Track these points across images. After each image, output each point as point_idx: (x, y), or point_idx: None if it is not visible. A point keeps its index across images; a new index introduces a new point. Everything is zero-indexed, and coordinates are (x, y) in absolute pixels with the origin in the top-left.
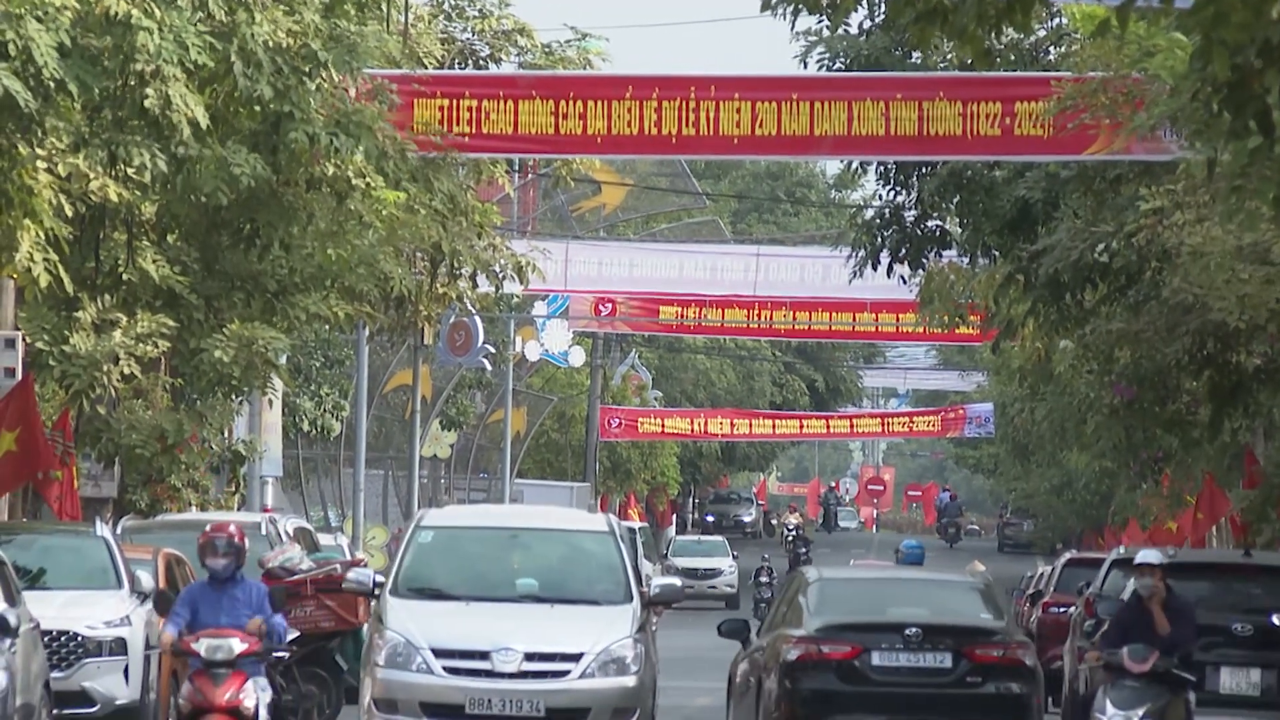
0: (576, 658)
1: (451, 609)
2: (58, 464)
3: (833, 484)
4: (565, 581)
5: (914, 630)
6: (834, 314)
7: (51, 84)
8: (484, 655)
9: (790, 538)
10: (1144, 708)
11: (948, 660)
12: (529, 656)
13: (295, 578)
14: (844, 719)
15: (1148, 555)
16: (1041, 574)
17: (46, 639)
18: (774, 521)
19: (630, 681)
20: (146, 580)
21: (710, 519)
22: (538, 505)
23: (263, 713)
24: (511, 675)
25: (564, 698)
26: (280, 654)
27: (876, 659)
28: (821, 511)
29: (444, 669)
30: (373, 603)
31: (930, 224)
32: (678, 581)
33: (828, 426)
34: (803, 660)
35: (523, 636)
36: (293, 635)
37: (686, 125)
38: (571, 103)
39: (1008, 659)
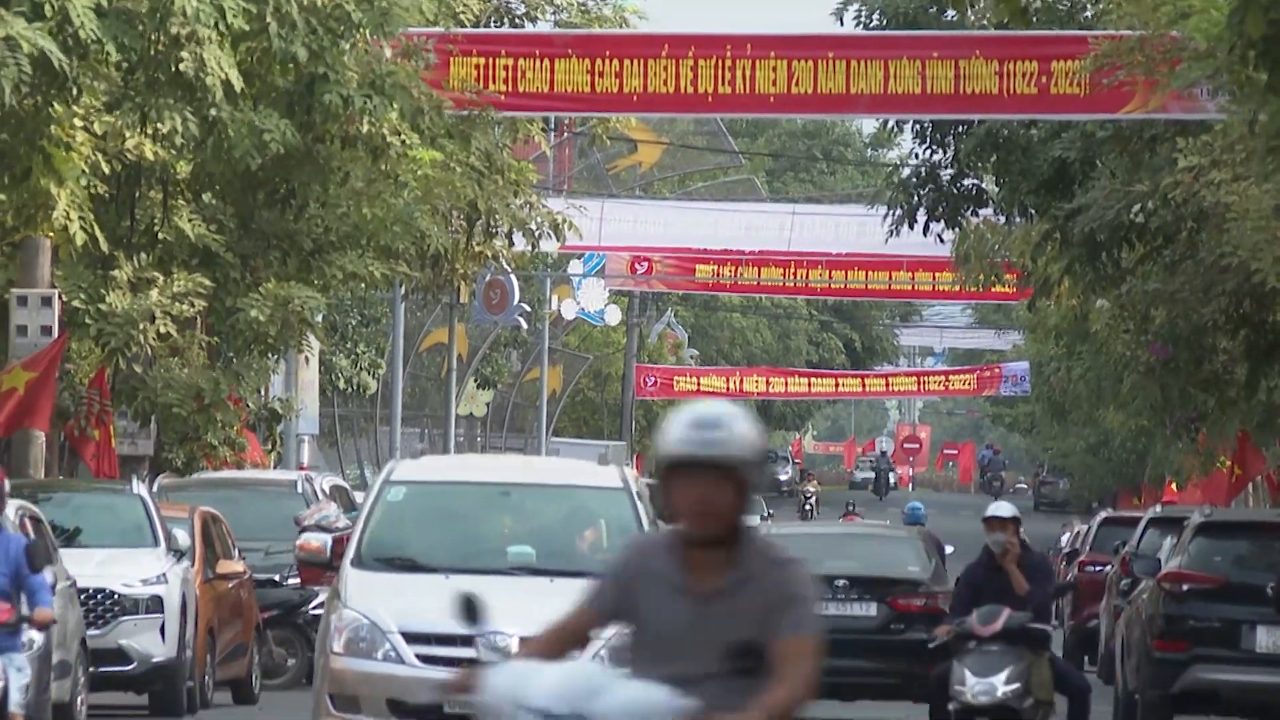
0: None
1: (427, 583)
2: (47, 424)
3: (884, 451)
4: (568, 549)
5: (842, 581)
6: (870, 272)
7: (90, 43)
8: (468, 641)
9: (808, 506)
10: (1005, 672)
11: (872, 609)
12: (524, 642)
13: (333, 536)
14: None
15: (999, 509)
16: (1078, 533)
17: (83, 597)
18: (797, 488)
19: None
20: (183, 538)
21: None
22: (536, 456)
23: (14, 695)
24: None
25: None
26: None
27: None
28: (873, 477)
29: (417, 657)
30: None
31: (966, 183)
32: None
33: (864, 385)
34: None
35: (515, 617)
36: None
37: (722, 84)
38: (608, 61)
39: (929, 608)
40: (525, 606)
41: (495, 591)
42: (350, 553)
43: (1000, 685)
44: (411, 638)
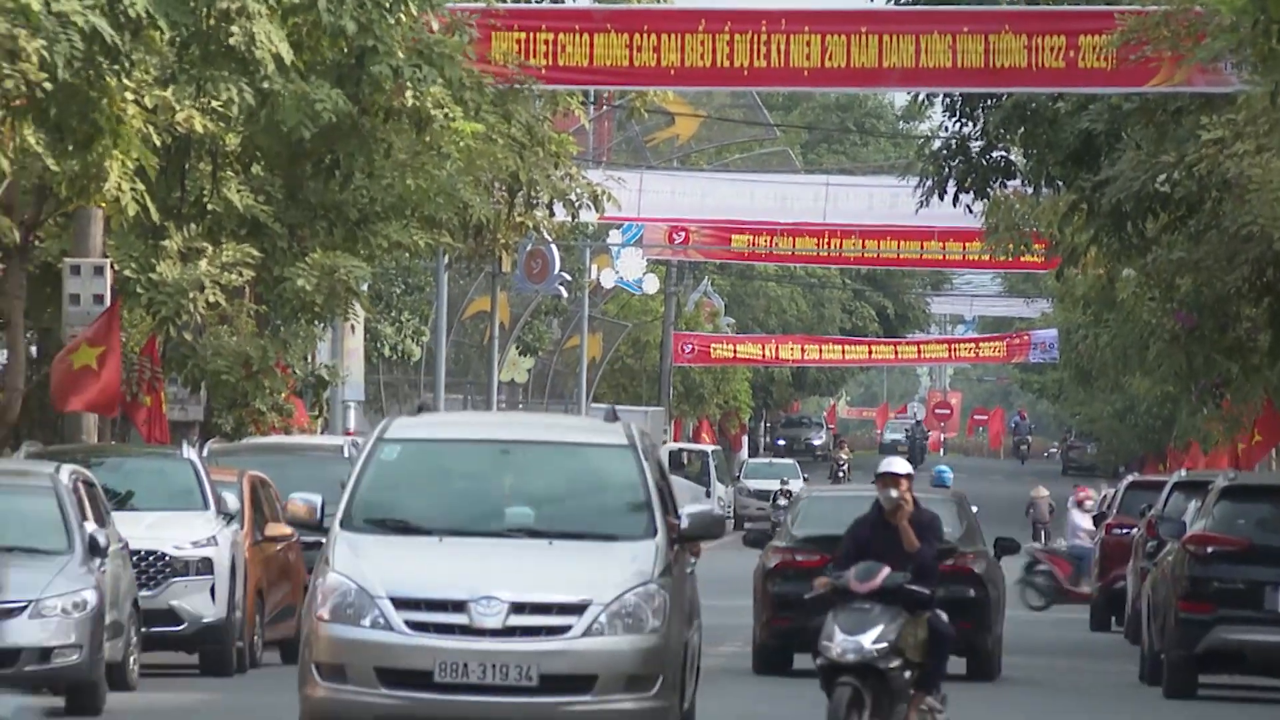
0: (580, 609)
1: (419, 546)
2: (115, 409)
3: (918, 419)
4: (569, 510)
5: None
6: (902, 242)
7: (142, 18)
8: (459, 606)
9: (841, 473)
10: (875, 631)
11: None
12: (518, 608)
13: None
14: (811, 619)
15: (892, 464)
16: (1105, 496)
17: (135, 558)
18: (829, 453)
19: (650, 640)
20: (232, 501)
21: (781, 442)
22: (538, 414)
23: None
24: (495, 632)
25: (562, 661)
26: None
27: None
28: (906, 443)
29: (407, 624)
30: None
31: (995, 154)
32: (717, 509)
33: (896, 352)
34: (779, 568)
35: (511, 582)
36: None
37: (758, 58)
38: (645, 36)
39: (959, 568)
40: (521, 570)
41: (490, 554)
42: (339, 514)
43: (867, 644)
44: (401, 603)
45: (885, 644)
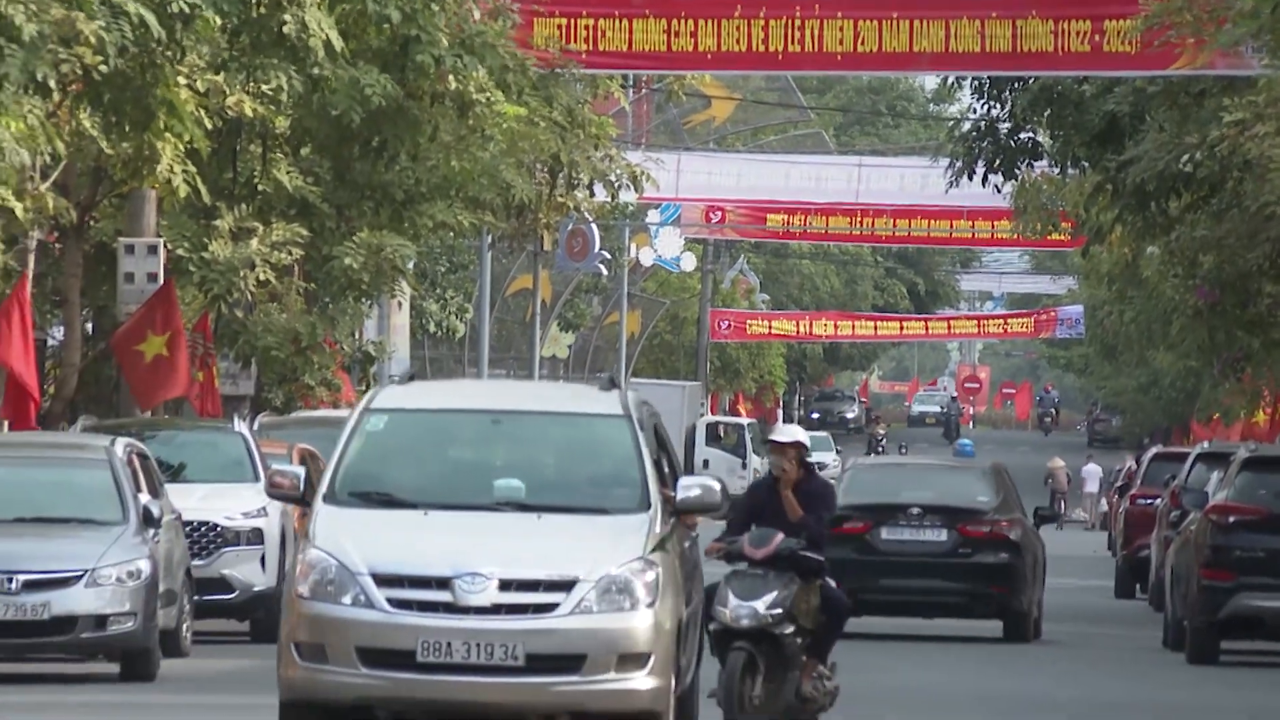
0: (568, 586)
1: (403, 520)
2: (185, 388)
3: (953, 396)
4: (560, 483)
5: (916, 509)
6: (932, 221)
7: (188, 8)
8: (443, 583)
9: (880, 448)
10: (769, 597)
11: (943, 535)
12: (505, 585)
13: None
14: (855, 583)
15: (780, 432)
16: (1130, 467)
17: (188, 529)
18: (865, 428)
19: (641, 619)
20: None
21: (815, 416)
22: (531, 383)
23: None
24: (480, 610)
25: (550, 640)
26: None
27: (885, 533)
28: (943, 425)
29: (388, 602)
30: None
31: (1023, 136)
32: (715, 483)
33: (926, 328)
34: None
35: (498, 557)
36: None
37: (792, 42)
38: (683, 21)
39: (994, 534)
40: (508, 545)
41: (477, 529)
42: (323, 487)
43: (761, 609)
44: (383, 580)
45: (779, 610)
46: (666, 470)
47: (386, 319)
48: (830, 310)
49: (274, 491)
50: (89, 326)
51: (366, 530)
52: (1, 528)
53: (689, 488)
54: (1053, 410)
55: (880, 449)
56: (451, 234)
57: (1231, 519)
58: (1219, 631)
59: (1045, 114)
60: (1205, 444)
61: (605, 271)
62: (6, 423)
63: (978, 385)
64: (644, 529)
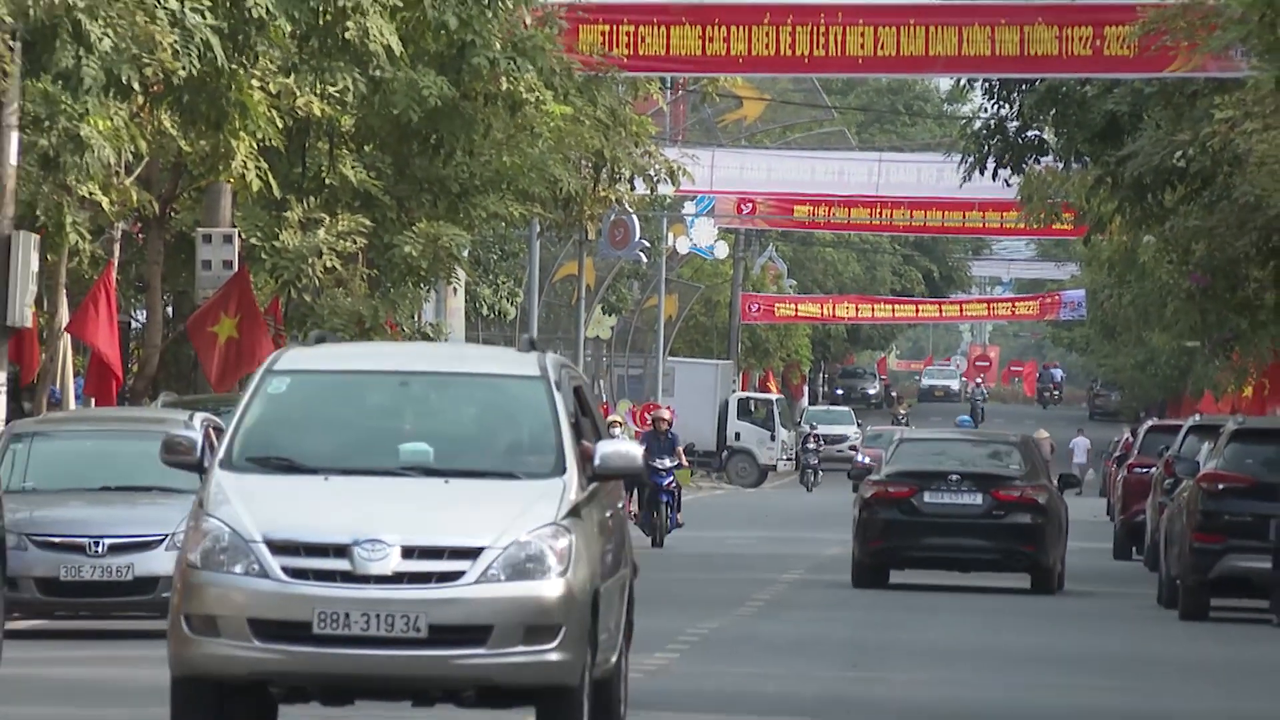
0: (474, 554)
1: (303, 486)
2: (255, 367)
3: (979, 382)
4: (470, 447)
5: (955, 476)
6: (946, 212)
7: (263, 16)
8: (342, 551)
9: (904, 424)
10: None
11: (978, 499)
12: (407, 552)
13: None
14: (901, 541)
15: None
16: (1127, 439)
17: None
18: (889, 408)
19: (551, 588)
20: None
21: (839, 392)
22: (444, 344)
23: None
24: (381, 579)
25: (454, 611)
26: None
27: (927, 497)
28: (970, 407)
29: (284, 571)
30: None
31: (1030, 134)
32: (634, 448)
33: (940, 310)
34: (875, 497)
35: (400, 524)
36: None
37: (817, 47)
38: (717, 28)
39: (1024, 498)
40: (412, 511)
41: (380, 494)
42: (220, 453)
43: None
44: (278, 548)
45: None
46: (590, 435)
47: (443, 302)
48: (852, 294)
49: (169, 458)
50: (169, 310)
51: (263, 497)
52: (89, 495)
53: (608, 452)
54: (1052, 386)
55: (905, 425)
56: (503, 224)
57: (1221, 486)
58: (1209, 590)
59: (1050, 113)
60: (1197, 417)
61: (645, 259)
62: (92, 399)
63: (987, 364)
64: (558, 495)
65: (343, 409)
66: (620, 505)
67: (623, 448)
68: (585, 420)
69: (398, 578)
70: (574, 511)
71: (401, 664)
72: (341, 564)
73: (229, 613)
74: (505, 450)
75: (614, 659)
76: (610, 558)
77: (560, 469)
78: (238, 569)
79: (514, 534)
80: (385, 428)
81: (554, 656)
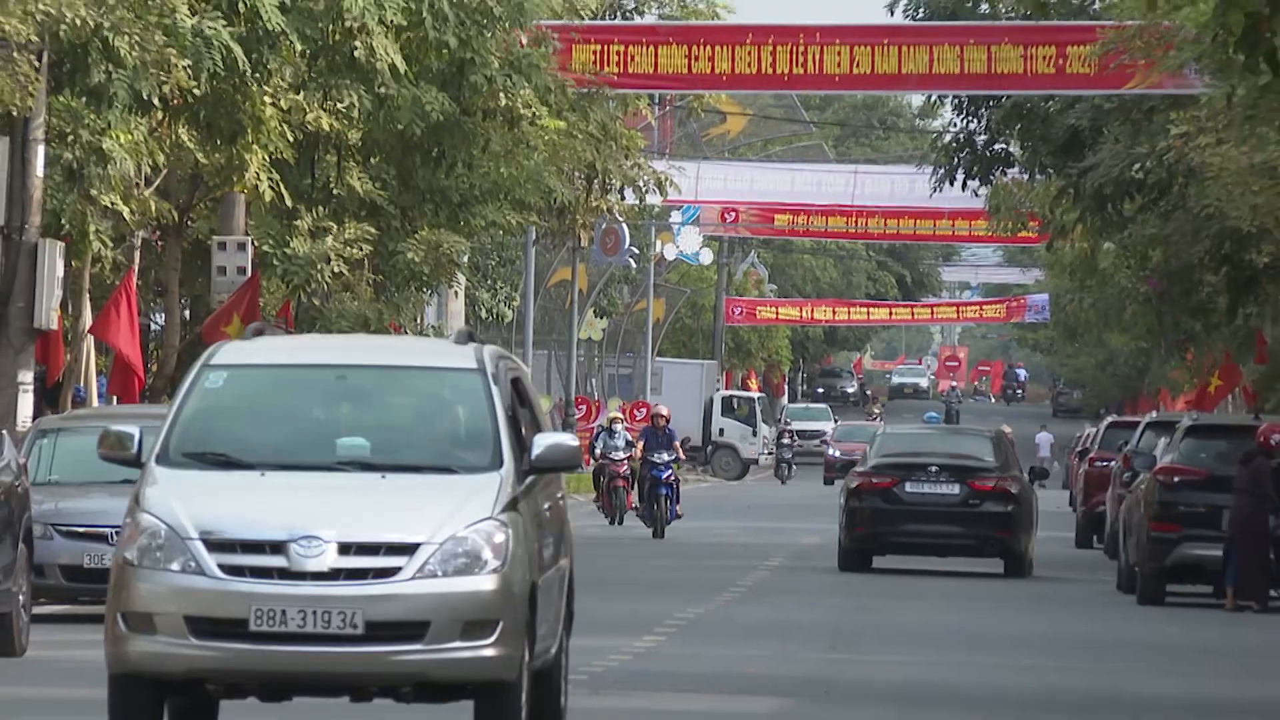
0: (411, 550)
1: (239, 482)
2: None
3: (953, 384)
4: (407, 441)
5: (934, 467)
6: (918, 220)
7: (277, 33)
8: (278, 547)
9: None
10: None
11: (955, 489)
12: (344, 548)
13: None
14: (885, 528)
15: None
16: (1088, 434)
17: None
18: (864, 406)
19: (488, 583)
20: None
21: (820, 390)
22: (382, 337)
23: None
24: (317, 576)
25: (391, 607)
26: None
27: (909, 487)
28: (945, 408)
29: (220, 568)
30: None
31: (996, 147)
32: (571, 439)
33: (912, 313)
34: (860, 487)
35: (337, 520)
36: None
37: (796, 66)
38: (702, 47)
39: (998, 488)
40: (349, 507)
41: (317, 490)
42: (155, 448)
43: None
44: (214, 545)
45: None
46: (530, 427)
47: (444, 306)
48: (829, 298)
49: (105, 454)
50: (187, 313)
51: (199, 493)
52: (111, 488)
53: (545, 444)
54: (1016, 384)
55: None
56: (501, 232)
57: (1176, 479)
58: (1165, 577)
59: (1016, 128)
60: (1154, 414)
61: (634, 264)
62: (115, 397)
63: (957, 364)
64: (495, 489)
65: (279, 403)
66: (560, 496)
67: (559, 440)
68: (524, 411)
69: (334, 574)
70: (511, 505)
71: (339, 661)
72: (278, 561)
73: (165, 610)
74: (442, 444)
75: (554, 650)
76: (548, 550)
77: (497, 462)
78: (174, 566)
79: (451, 529)
80: (322, 422)
81: (491, 652)
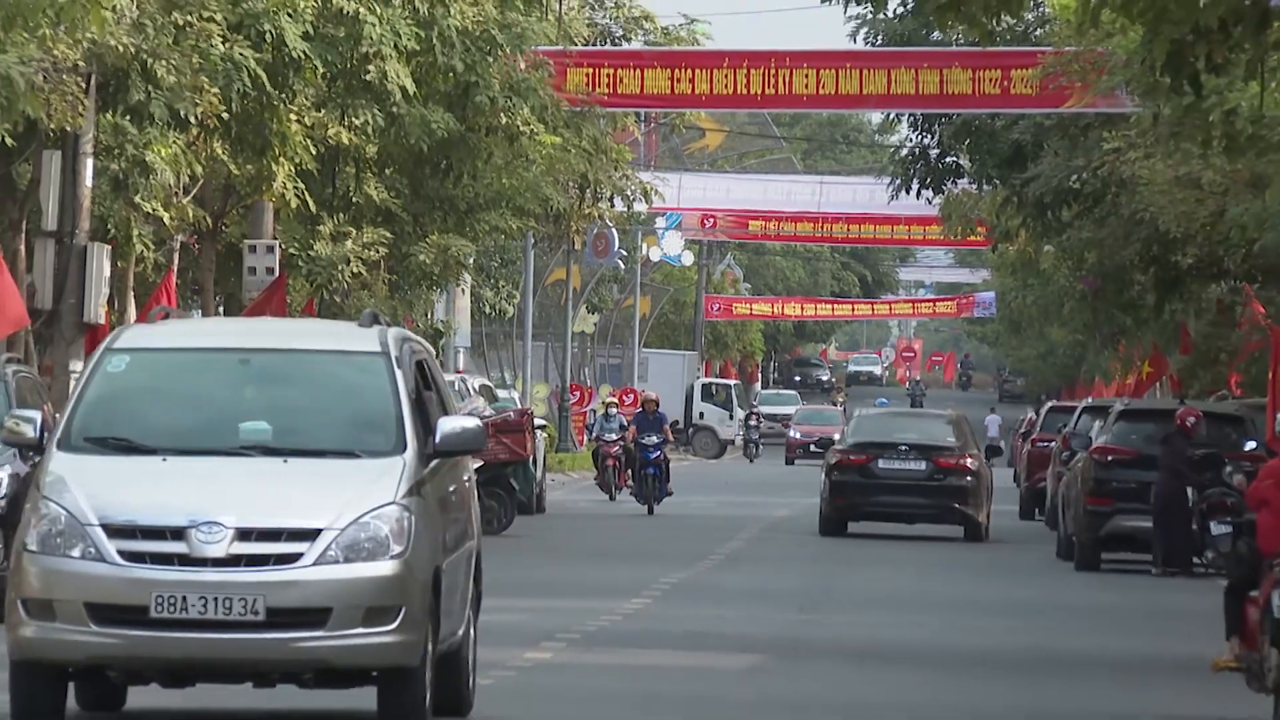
0: (312, 535)
1: (140, 467)
2: None
3: (918, 379)
4: (310, 424)
5: (904, 447)
6: (877, 226)
7: (300, 57)
8: (178, 534)
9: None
10: None
11: (922, 465)
12: (244, 534)
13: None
14: (861, 499)
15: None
16: (1031, 418)
17: None
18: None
19: (390, 569)
20: None
21: (797, 378)
22: (287, 321)
23: None
24: (217, 562)
25: (292, 593)
26: None
27: (881, 464)
28: (910, 397)
29: (120, 554)
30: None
31: (948, 160)
32: (473, 422)
33: (873, 309)
34: (839, 464)
35: (237, 505)
36: (476, 465)
37: (768, 87)
38: (683, 71)
39: (958, 465)
40: (250, 492)
41: (218, 475)
42: (57, 433)
43: None
44: (114, 531)
45: None
46: (436, 409)
47: (452, 302)
48: (798, 295)
49: (9, 438)
50: (220, 310)
51: (100, 478)
52: None
53: (448, 428)
54: (969, 373)
55: (843, 410)
56: (503, 236)
57: (1110, 458)
58: (1100, 546)
59: (965, 143)
60: (1089, 399)
61: (623, 265)
62: None
63: (912, 354)
64: (398, 473)
65: (182, 387)
66: (467, 478)
67: (463, 424)
68: (429, 394)
69: (235, 560)
70: (415, 490)
71: (240, 647)
72: (178, 547)
73: (66, 597)
74: (345, 428)
75: (460, 632)
76: (453, 533)
77: (400, 446)
78: (74, 553)
79: (353, 514)
80: (225, 406)
81: (393, 638)
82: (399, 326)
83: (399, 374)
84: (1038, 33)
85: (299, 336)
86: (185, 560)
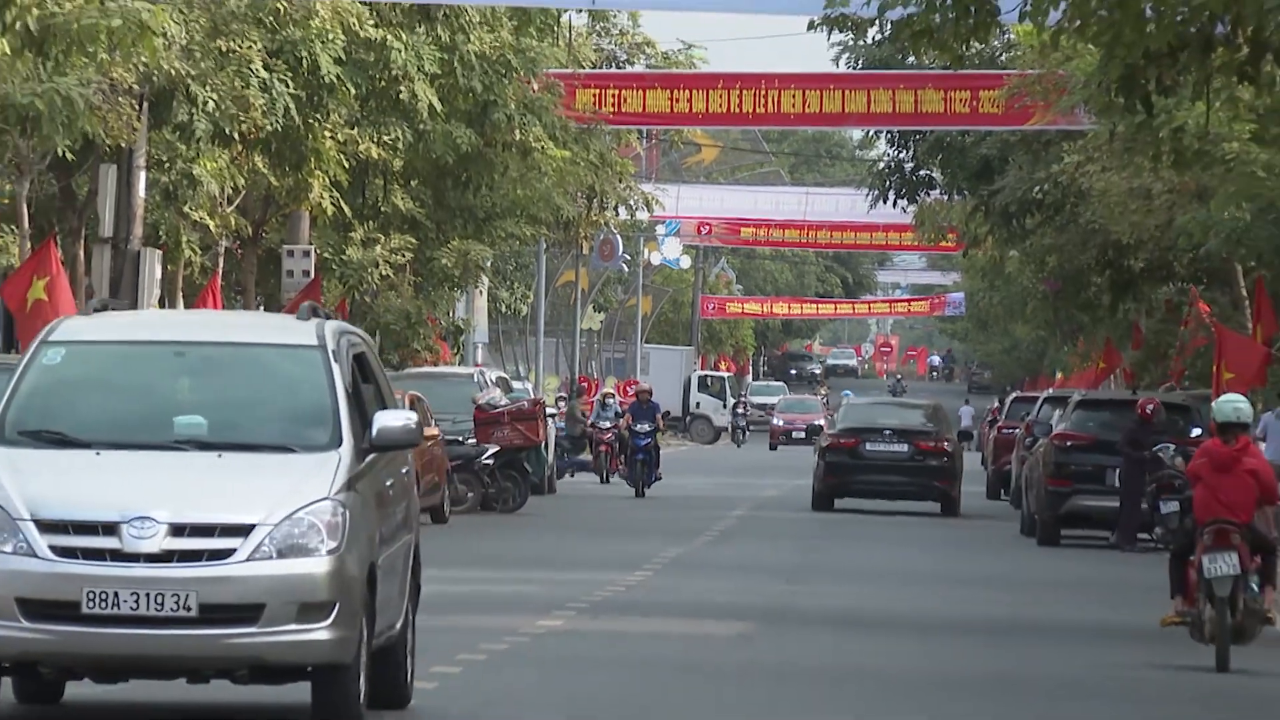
0: (245, 531)
1: (73, 461)
2: None
3: (900, 378)
4: (246, 418)
5: (888, 431)
6: (857, 233)
7: (334, 81)
8: (110, 529)
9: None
10: None
11: (905, 448)
12: (176, 530)
13: (497, 410)
14: (849, 478)
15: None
16: (996, 406)
17: None
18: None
19: (323, 565)
20: None
21: (791, 371)
22: (225, 313)
23: None
24: (150, 558)
25: (225, 589)
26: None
27: (868, 446)
28: (891, 389)
29: (52, 550)
30: None
31: (922, 173)
32: (410, 419)
33: (853, 308)
34: (830, 446)
35: (170, 500)
36: (494, 449)
37: (759, 106)
38: (682, 91)
39: (937, 447)
40: (183, 487)
41: (151, 469)
42: None
43: None
44: (46, 526)
45: None
46: (373, 403)
47: (471, 302)
48: (786, 296)
49: None
50: (261, 309)
51: (33, 473)
52: None
53: (384, 423)
54: (951, 366)
55: (826, 401)
56: (517, 242)
57: (1069, 443)
58: (1060, 524)
59: (938, 157)
60: (1050, 390)
61: (626, 269)
62: None
63: (889, 349)
64: (333, 468)
65: (117, 380)
66: (405, 471)
67: (399, 417)
68: (368, 388)
69: (167, 556)
70: (350, 485)
71: (172, 644)
72: (110, 542)
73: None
74: (281, 422)
75: (398, 626)
76: (389, 527)
77: (336, 441)
78: (6, 548)
79: (286, 510)
80: (160, 399)
81: (327, 634)
82: (337, 320)
83: (336, 368)
84: (1004, 57)
85: (236, 329)
86: (117, 556)
